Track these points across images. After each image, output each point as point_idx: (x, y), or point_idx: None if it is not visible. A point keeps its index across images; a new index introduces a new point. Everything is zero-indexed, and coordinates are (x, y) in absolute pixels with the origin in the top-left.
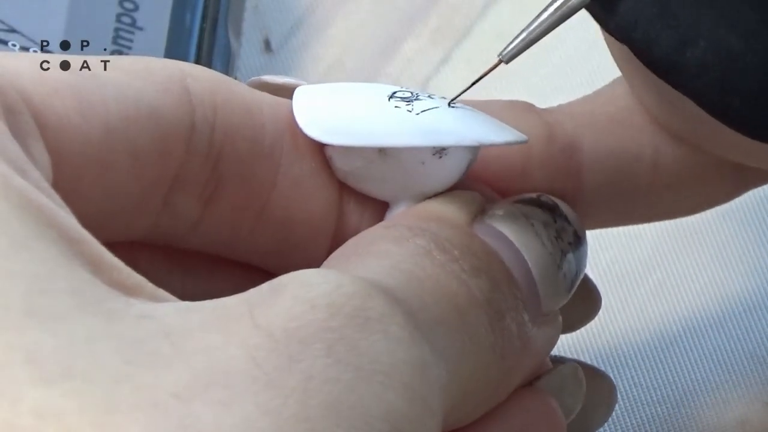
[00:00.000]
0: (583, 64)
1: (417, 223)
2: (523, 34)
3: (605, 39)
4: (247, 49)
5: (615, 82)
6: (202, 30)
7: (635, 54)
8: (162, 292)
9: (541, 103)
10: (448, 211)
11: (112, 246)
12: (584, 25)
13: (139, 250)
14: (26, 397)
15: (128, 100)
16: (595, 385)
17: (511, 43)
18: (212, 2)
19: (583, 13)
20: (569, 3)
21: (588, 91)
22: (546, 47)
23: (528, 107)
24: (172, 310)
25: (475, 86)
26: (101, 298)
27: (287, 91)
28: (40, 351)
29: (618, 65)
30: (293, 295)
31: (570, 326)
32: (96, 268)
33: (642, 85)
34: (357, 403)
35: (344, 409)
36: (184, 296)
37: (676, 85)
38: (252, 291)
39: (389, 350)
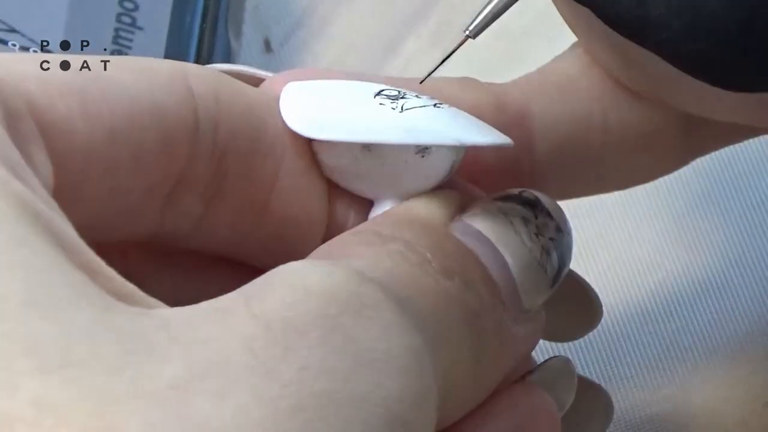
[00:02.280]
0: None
1: (388, 229)
2: (488, 8)
3: (558, 9)
4: (247, 49)
5: (559, 56)
6: (202, 30)
7: (598, 15)
8: (155, 301)
9: None
10: (423, 211)
11: (105, 249)
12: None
13: (133, 255)
14: (24, 388)
15: (132, 100)
16: (590, 396)
17: (476, 18)
18: (212, 2)
19: None
20: None
21: None
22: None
23: (474, 82)
24: (168, 308)
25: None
26: (99, 293)
27: (251, 80)
28: (39, 340)
29: (575, 32)
30: (288, 284)
31: (571, 335)
32: (90, 277)
33: (602, 47)
34: (354, 390)
35: (341, 397)
36: (177, 301)
37: (640, 42)
38: (246, 285)
39: (385, 336)
